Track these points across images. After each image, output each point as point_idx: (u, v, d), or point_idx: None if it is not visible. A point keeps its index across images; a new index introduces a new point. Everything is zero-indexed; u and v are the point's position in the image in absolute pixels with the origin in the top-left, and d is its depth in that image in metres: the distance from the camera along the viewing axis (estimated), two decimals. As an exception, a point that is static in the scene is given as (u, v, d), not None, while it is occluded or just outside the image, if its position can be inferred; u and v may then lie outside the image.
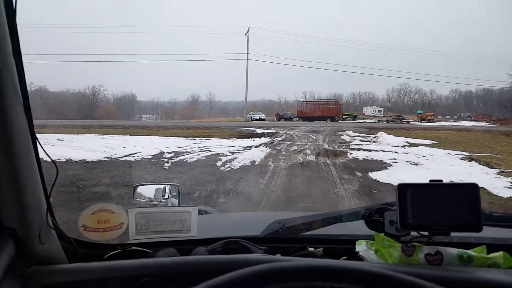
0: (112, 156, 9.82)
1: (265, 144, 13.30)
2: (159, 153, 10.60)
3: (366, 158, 10.15)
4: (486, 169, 8.88)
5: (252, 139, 15.30)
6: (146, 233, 0.81)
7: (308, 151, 11.49)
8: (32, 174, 0.69)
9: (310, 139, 15.17)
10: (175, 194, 1.29)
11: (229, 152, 10.89)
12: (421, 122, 49.13)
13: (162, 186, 1.31)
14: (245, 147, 12.27)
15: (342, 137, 16.43)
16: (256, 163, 9.07)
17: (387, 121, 43.58)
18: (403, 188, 0.73)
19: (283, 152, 11.20)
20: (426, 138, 16.78)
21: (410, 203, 0.72)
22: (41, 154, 0.74)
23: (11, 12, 0.60)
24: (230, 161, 9.30)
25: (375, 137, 14.76)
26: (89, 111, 78.88)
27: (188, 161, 9.34)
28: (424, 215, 0.72)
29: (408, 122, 44.99)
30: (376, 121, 44.68)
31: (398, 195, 0.73)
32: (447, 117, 75.63)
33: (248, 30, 37.60)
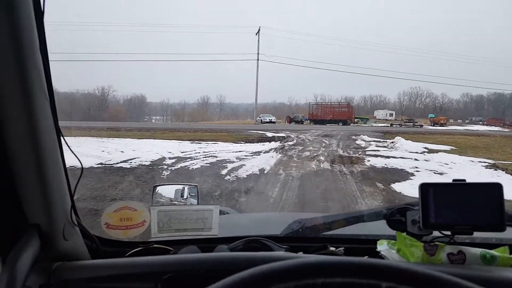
0: (107, 162, 9.15)
1: (275, 149, 12.51)
2: (159, 159, 9.91)
3: (385, 166, 9.29)
4: (514, 179, 8.14)
5: (262, 143, 14.52)
6: (168, 231, 0.79)
7: (322, 158, 10.65)
8: (58, 171, 0.70)
9: (323, 144, 14.31)
10: (193, 194, 1.28)
11: (236, 158, 10.13)
12: (433, 126, 47.80)
13: (181, 187, 1.32)
14: (253, 153, 11.50)
15: (357, 142, 15.52)
16: (265, 171, 8.29)
17: (400, 125, 42.35)
18: (426, 188, 0.71)
19: (295, 159, 10.39)
20: (444, 143, 15.79)
21: (432, 203, 0.70)
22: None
23: (39, 11, 0.62)
24: (236, 168, 8.55)
25: (392, 142, 13.81)
26: (98, 112, 79.04)
27: (190, 168, 8.62)
28: (447, 214, 0.70)
29: (421, 126, 43.69)
30: (389, 125, 43.47)
31: (420, 194, 0.72)
32: (459, 121, 73.36)
33: (259, 30, 36.84)
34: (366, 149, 13.04)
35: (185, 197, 1.29)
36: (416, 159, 10.70)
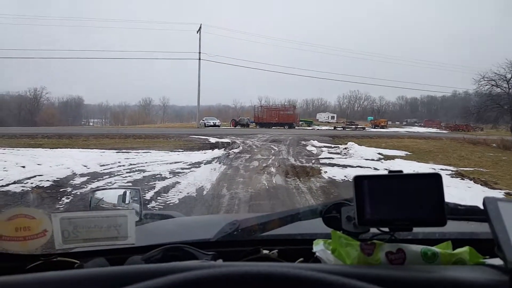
0: (-7, 183, 6.58)
1: (219, 159, 10.71)
2: (66, 177, 7.51)
3: (346, 178, 8.03)
4: (486, 189, 7.50)
5: (203, 151, 12.61)
6: (75, 242, 0.71)
7: (273, 169, 9.12)
8: None
9: (272, 151, 12.87)
10: (136, 198, 1.21)
11: (170, 173, 8.13)
12: (374, 128, 50.04)
13: (122, 191, 1.24)
14: (192, 164, 9.57)
15: (308, 148, 14.39)
16: (204, 192, 6.47)
17: (343, 128, 43.35)
18: (360, 180, 0.66)
19: (242, 171, 8.70)
20: (396, 148, 15.45)
21: (368, 197, 0.65)
22: None
23: None
24: (168, 189, 6.60)
25: (346, 148, 12.89)
26: (30, 116, 72.95)
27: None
28: (384, 209, 0.65)
29: (364, 128, 45.28)
30: (332, 128, 44.30)
31: (354, 188, 0.66)
32: (397, 122, 78.89)
33: (200, 28, 34.44)
34: (319, 157, 11.89)
35: (127, 201, 1.21)
36: (375, 168, 9.73)
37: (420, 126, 67.52)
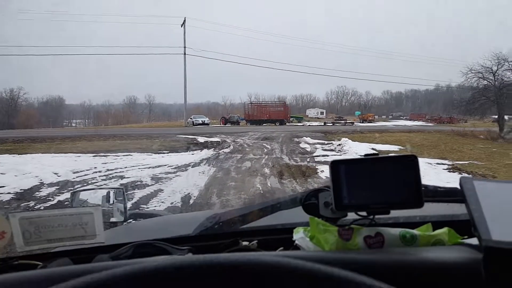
0: None
1: (208, 161, 9.86)
2: (32, 188, 6.57)
3: (347, 178, 7.33)
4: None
5: (191, 152, 11.75)
6: (38, 243, 0.67)
7: (267, 170, 8.35)
8: None
9: (265, 150, 12.09)
10: (120, 198, 1.17)
11: (152, 179, 7.27)
12: (363, 123, 49.96)
13: (105, 191, 1.20)
14: (178, 167, 8.71)
15: (301, 145, 13.68)
16: (191, 201, 5.65)
17: (333, 124, 42.96)
18: (337, 165, 0.65)
19: (233, 174, 7.90)
20: (388, 142, 14.91)
21: (345, 181, 0.64)
22: None
23: None
24: (148, 198, 5.76)
25: (340, 145, 12.23)
26: (7, 118, 70.26)
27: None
28: (361, 193, 0.64)
29: (352, 123, 45.01)
30: (323, 124, 43.86)
31: (331, 173, 0.65)
32: (383, 116, 79.20)
33: (184, 21, 32.96)
34: (314, 154, 11.19)
35: (111, 202, 1.17)
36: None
37: (406, 119, 67.97)
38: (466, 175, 7.83)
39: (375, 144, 14.15)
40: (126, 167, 8.85)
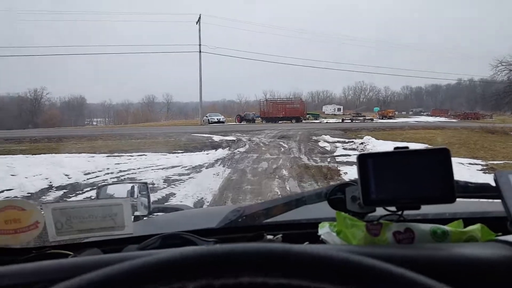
0: None
1: (223, 161, 9.45)
2: (41, 190, 6.35)
3: (373, 181, 6.73)
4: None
5: (206, 151, 11.38)
6: (69, 233, 0.68)
7: (285, 172, 7.85)
8: None
9: (282, 149, 11.57)
10: (144, 192, 1.18)
11: (165, 182, 6.92)
12: (382, 119, 48.49)
13: (129, 185, 1.22)
14: (193, 168, 8.34)
15: (320, 143, 13.07)
16: (204, 207, 5.22)
17: (351, 120, 41.83)
18: (364, 159, 0.63)
19: (249, 176, 7.45)
20: (414, 140, 14.07)
21: (373, 176, 0.62)
22: None
23: None
24: (159, 203, 5.36)
25: (362, 143, 11.55)
26: (31, 117, 72.62)
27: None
28: (390, 188, 0.61)
29: (372, 120, 43.72)
30: (340, 120, 42.79)
31: (358, 167, 0.63)
32: (403, 113, 76.68)
33: (199, 19, 32.58)
34: (335, 154, 10.59)
35: (135, 196, 1.17)
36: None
37: (427, 115, 65.64)
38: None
39: (399, 142, 13.38)
40: (139, 168, 8.56)
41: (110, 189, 1.20)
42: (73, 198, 5.84)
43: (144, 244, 0.72)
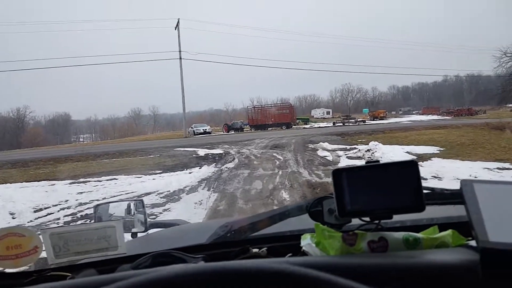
0: None
1: (208, 183, 7.86)
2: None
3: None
4: None
5: (188, 170, 9.76)
6: (67, 255, 0.72)
7: (285, 194, 6.33)
8: None
9: (277, 162, 10.04)
10: (140, 209, 1.22)
11: (131, 219, 5.25)
12: (374, 120, 47.66)
13: (125, 203, 1.26)
14: (170, 195, 6.75)
15: (319, 152, 11.60)
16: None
17: (343, 123, 40.71)
18: (338, 173, 0.67)
19: (240, 203, 5.89)
20: (421, 143, 12.79)
21: (347, 188, 0.66)
22: None
23: None
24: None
25: (369, 150, 10.12)
26: (15, 138, 70.07)
27: None
28: (364, 200, 0.65)
29: (364, 121, 42.73)
30: (332, 124, 41.62)
31: (333, 181, 0.67)
32: (393, 112, 76.36)
33: (178, 23, 30.76)
34: (339, 166, 9.12)
35: (132, 213, 1.22)
36: (422, 178, 7.00)
37: (418, 114, 65.30)
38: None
39: (405, 145, 12.05)
40: (104, 198, 6.92)
41: (108, 207, 1.23)
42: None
43: (136, 264, 0.74)
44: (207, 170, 9.40)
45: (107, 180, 8.96)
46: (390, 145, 11.98)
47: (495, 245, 0.48)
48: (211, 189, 7.10)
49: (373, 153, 9.79)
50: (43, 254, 0.70)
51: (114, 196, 6.99)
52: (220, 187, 7.22)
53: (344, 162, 9.53)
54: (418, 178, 0.62)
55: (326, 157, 10.45)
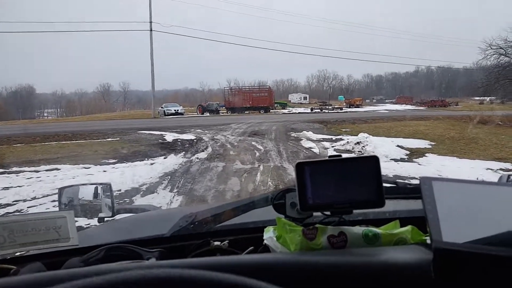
0: None
1: (172, 178, 6.38)
2: None
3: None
4: None
5: (150, 160, 8.17)
6: (12, 247, 0.68)
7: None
8: None
9: (257, 154, 8.67)
10: (108, 193, 1.18)
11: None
12: (349, 107, 47.51)
13: (92, 187, 1.21)
14: (118, 197, 5.22)
15: (303, 143, 10.34)
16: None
17: (321, 109, 39.97)
18: (301, 166, 0.66)
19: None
20: (409, 136, 11.95)
21: (309, 182, 0.66)
22: None
23: None
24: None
25: (359, 143, 8.98)
26: None
27: None
28: (325, 194, 0.66)
29: (341, 109, 42.28)
30: (309, 110, 40.77)
31: (296, 174, 0.66)
32: (367, 100, 76.95)
33: None
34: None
35: (99, 197, 1.18)
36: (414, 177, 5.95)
37: (392, 103, 66.10)
38: None
39: (394, 138, 11.10)
40: (35, 198, 5.31)
41: (73, 191, 1.18)
42: None
43: (87, 257, 0.71)
44: (173, 161, 7.86)
45: (47, 170, 7.22)
46: (377, 136, 10.96)
47: (448, 245, 0.48)
48: (175, 190, 5.64)
49: (363, 146, 8.68)
50: None
51: (46, 196, 5.38)
52: (186, 187, 5.78)
53: (330, 153, 8.36)
54: (379, 173, 0.63)
55: (311, 149, 9.22)
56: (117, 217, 1.21)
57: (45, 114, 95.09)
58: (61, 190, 1.15)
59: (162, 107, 31.35)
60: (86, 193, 1.18)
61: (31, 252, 0.72)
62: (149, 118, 26.37)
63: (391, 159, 7.92)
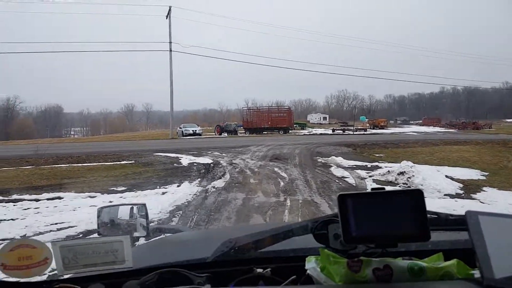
0: None
1: (183, 214, 5.42)
2: None
3: None
4: None
5: (162, 188, 7.29)
6: (75, 268, 0.72)
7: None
8: None
9: (281, 183, 7.61)
10: (143, 213, 1.24)
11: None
12: (374, 129, 45.89)
13: (128, 207, 1.27)
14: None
15: (334, 171, 9.18)
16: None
17: (343, 131, 38.58)
18: (344, 199, 0.66)
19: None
20: (453, 163, 10.57)
21: (352, 215, 0.65)
22: None
23: None
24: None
25: (403, 173, 7.74)
26: (4, 128, 68.32)
27: None
28: (369, 226, 0.65)
29: (365, 130, 40.74)
30: (331, 131, 39.47)
31: (339, 206, 0.66)
32: (391, 122, 74.53)
33: (170, 11, 27.37)
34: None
35: (134, 217, 1.23)
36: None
37: (418, 124, 63.63)
38: None
39: (438, 166, 9.77)
40: (25, 235, 4.48)
41: (111, 211, 1.24)
42: None
43: (143, 280, 0.74)
44: (187, 191, 6.93)
45: (48, 199, 6.46)
46: (418, 164, 9.68)
47: (500, 283, 0.47)
48: (187, 225, 4.66)
49: (409, 178, 7.45)
50: (53, 266, 0.70)
51: (45, 232, 4.55)
52: (199, 227, 4.79)
53: (368, 184, 7.18)
54: (423, 207, 0.62)
55: (345, 179, 8.06)
56: (152, 237, 1.26)
57: (71, 133, 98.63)
58: (100, 210, 1.22)
59: (180, 128, 31.02)
60: (123, 213, 1.25)
61: (91, 273, 0.74)
62: (167, 139, 25.91)
63: (445, 195, 6.68)
